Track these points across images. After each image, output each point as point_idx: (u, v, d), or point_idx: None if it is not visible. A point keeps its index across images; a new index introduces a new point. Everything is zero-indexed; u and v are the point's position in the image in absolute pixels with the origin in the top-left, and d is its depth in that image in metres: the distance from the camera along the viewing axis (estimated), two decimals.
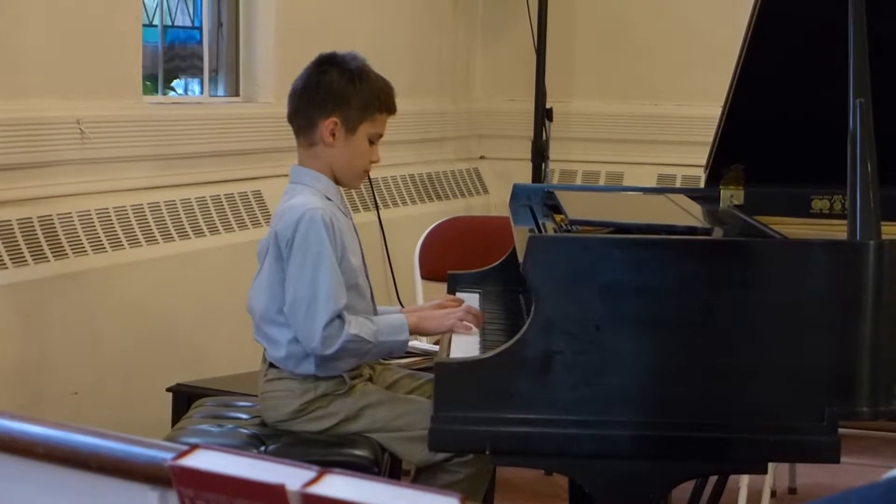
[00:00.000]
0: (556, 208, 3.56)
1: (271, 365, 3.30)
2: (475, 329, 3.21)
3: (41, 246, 4.03)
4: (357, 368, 3.34)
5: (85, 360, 4.15)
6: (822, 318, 2.77)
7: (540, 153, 5.80)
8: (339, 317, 3.16)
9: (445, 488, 2.94)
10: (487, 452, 2.80)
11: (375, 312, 3.36)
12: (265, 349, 3.32)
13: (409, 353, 3.83)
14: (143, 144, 4.49)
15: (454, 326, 3.20)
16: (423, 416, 2.96)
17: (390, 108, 3.36)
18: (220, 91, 5.23)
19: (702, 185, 3.87)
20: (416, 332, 3.31)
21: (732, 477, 4.01)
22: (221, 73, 5.22)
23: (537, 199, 3.79)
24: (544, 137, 5.81)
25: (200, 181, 4.74)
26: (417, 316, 3.33)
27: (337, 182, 3.36)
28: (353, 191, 5.21)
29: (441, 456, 3.17)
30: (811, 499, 4.54)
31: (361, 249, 3.38)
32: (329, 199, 3.29)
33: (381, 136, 3.36)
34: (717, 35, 5.52)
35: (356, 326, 3.18)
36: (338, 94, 3.29)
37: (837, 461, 2.79)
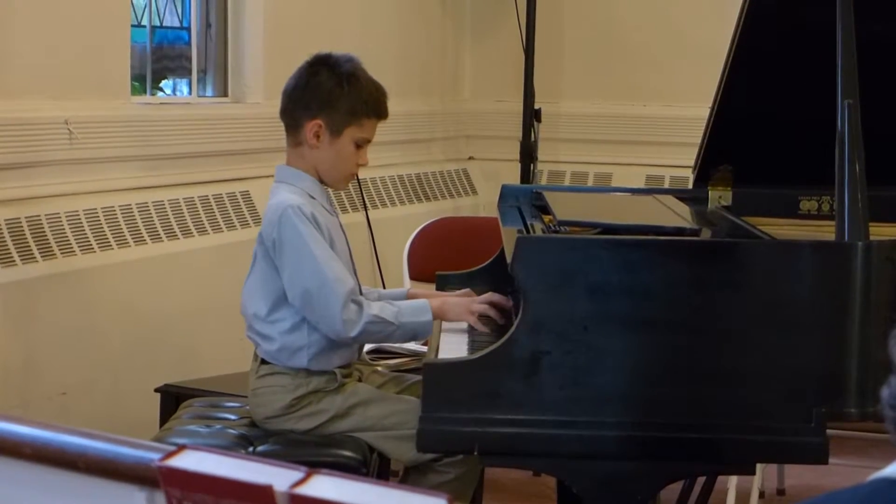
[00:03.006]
0: (544, 209, 3.56)
1: (263, 361, 3.29)
2: (500, 321, 3.18)
3: (29, 246, 4.02)
4: (348, 367, 3.33)
5: (73, 361, 4.14)
6: (811, 318, 2.77)
7: (528, 154, 5.80)
8: (355, 301, 3.15)
9: (434, 488, 2.93)
10: (476, 453, 2.80)
11: None
12: (256, 347, 3.31)
13: (397, 354, 3.83)
14: (132, 145, 4.49)
15: (474, 323, 3.19)
16: (412, 415, 2.95)
17: (380, 113, 3.31)
18: (209, 91, 5.22)
19: (690, 185, 3.87)
20: (437, 316, 3.24)
21: (721, 478, 4.01)
22: (210, 74, 5.22)
23: (526, 199, 3.78)
24: (533, 138, 5.81)
25: (189, 181, 4.73)
26: (441, 300, 3.29)
27: (322, 182, 3.34)
28: (341, 191, 5.20)
29: (430, 456, 3.17)
30: (799, 500, 4.54)
31: (349, 248, 3.37)
32: (312, 198, 3.27)
33: (369, 141, 3.31)
34: (706, 36, 5.52)
35: (377, 308, 3.16)
36: (324, 97, 3.26)
37: (826, 462, 2.80)
